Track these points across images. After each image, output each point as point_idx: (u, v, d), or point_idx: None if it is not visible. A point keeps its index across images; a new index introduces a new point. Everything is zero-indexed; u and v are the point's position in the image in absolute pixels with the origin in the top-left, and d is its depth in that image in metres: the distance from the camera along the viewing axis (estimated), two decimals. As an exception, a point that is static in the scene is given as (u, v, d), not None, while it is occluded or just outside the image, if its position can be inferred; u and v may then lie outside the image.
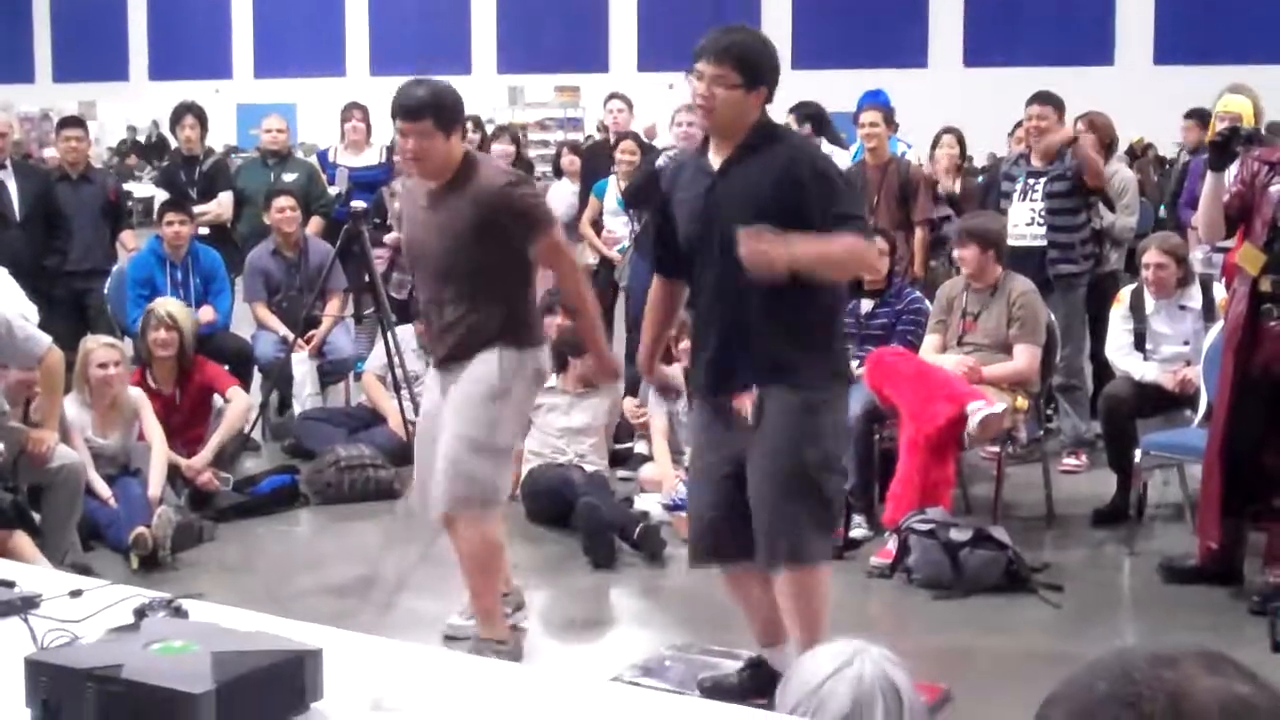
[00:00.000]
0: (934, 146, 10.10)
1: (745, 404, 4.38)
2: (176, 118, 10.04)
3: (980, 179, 10.31)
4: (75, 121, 9.96)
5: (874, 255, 4.45)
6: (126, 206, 9.99)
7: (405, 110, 4.89)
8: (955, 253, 7.25)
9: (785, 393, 4.36)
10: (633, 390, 7.92)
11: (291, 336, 8.60)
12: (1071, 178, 7.86)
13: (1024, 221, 7.93)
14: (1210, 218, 5.82)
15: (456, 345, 5.01)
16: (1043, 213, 7.88)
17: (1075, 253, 7.90)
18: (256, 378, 8.68)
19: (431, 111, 4.86)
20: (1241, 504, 5.75)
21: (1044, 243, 7.87)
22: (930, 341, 7.09)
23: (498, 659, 4.89)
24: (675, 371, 6.53)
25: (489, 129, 12.82)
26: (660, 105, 11.28)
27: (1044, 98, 8.06)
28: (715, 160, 4.46)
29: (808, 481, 4.38)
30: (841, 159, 9.82)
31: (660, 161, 8.67)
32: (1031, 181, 7.96)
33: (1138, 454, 6.60)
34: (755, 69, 4.37)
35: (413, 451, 7.62)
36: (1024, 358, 6.86)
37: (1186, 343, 6.87)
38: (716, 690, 4.67)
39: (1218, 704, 1.07)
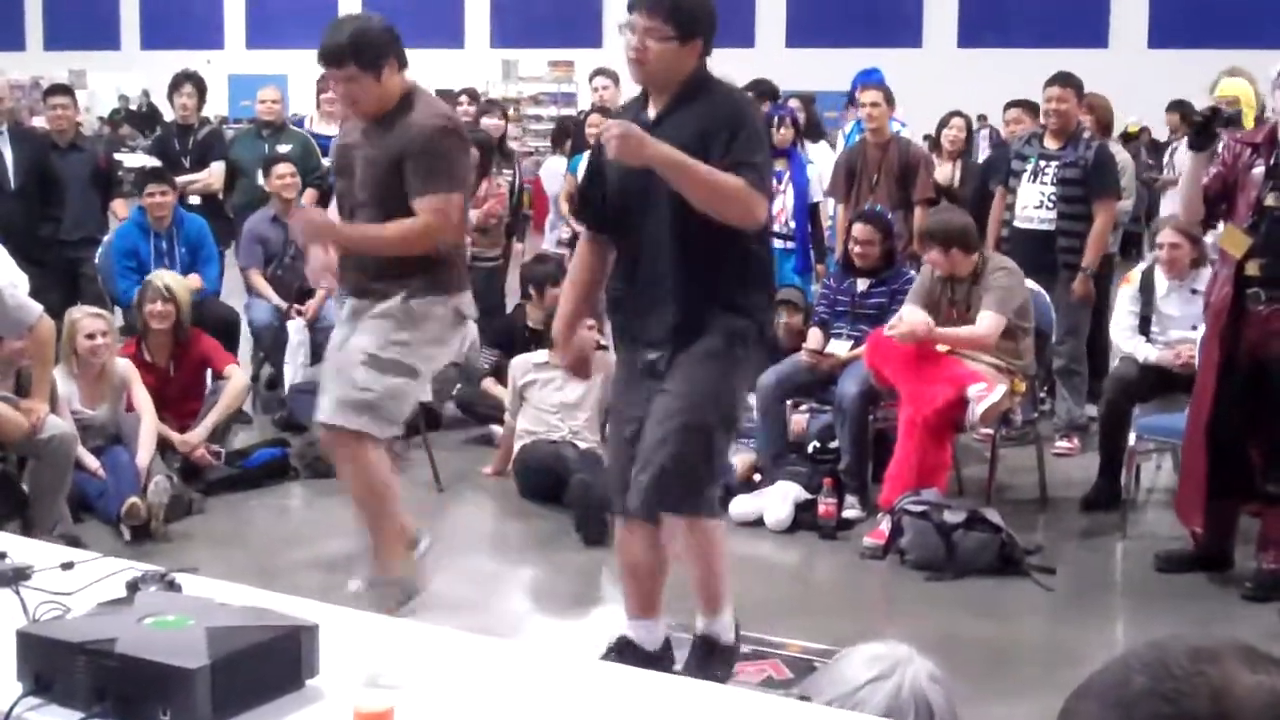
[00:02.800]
0: (941, 127, 10.08)
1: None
2: (175, 86, 10.01)
3: (980, 160, 10.29)
4: (62, 89, 9.89)
5: (755, 205, 4.20)
6: (117, 175, 9.92)
7: (327, 58, 4.84)
8: (923, 256, 6.98)
9: (695, 348, 4.33)
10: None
11: (285, 305, 8.57)
12: (1084, 166, 7.79)
13: (1033, 204, 7.87)
14: (1190, 198, 5.81)
15: (365, 278, 4.95)
16: (1053, 197, 7.80)
17: (1085, 241, 7.79)
18: (245, 349, 8.65)
19: (353, 55, 4.79)
20: (1226, 488, 5.74)
21: (1052, 227, 7.80)
22: (908, 310, 6.77)
23: (389, 600, 4.86)
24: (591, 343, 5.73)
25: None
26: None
27: (1064, 79, 7.94)
28: (653, 113, 4.42)
29: (703, 436, 4.34)
30: (822, 154, 9.80)
31: None
32: (1043, 164, 7.87)
33: (1131, 437, 6.59)
34: (690, 21, 4.29)
35: (405, 426, 7.68)
36: (986, 323, 6.60)
37: (1195, 327, 6.80)
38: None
39: (1260, 702, 1.04)
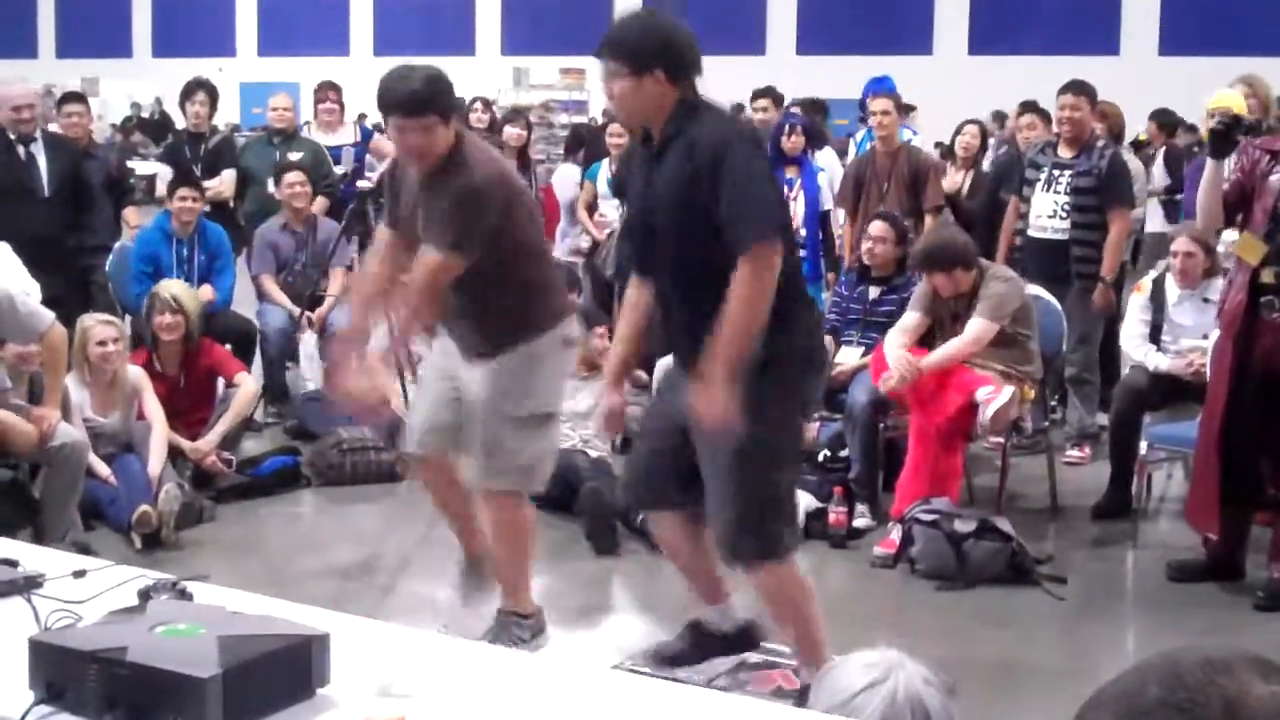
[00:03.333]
0: (955, 134, 10.05)
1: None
2: (188, 93, 10.03)
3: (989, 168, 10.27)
4: (76, 97, 9.93)
5: (768, 263, 4.01)
6: (129, 183, 9.94)
7: (405, 107, 4.66)
8: (925, 280, 6.78)
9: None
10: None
11: (298, 311, 8.59)
12: (1098, 175, 7.78)
13: (1046, 213, 7.83)
14: (1209, 205, 5.77)
15: (480, 343, 4.93)
16: (1066, 206, 7.77)
17: (1100, 251, 7.74)
18: (258, 359, 8.66)
19: (432, 104, 4.65)
20: (1238, 496, 5.73)
21: (1066, 237, 7.76)
22: (909, 319, 6.72)
23: (518, 632, 4.93)
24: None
25: (498, 113, 12.78)
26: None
27: (1077, 87, 7.90)
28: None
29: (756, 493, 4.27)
30: (828, 161, 9.80)
31: None
32: (1057, 173, 7.83)
33: (1143, 446, 6.58)
34: (637, 53, 4.22)
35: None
36: (974, 330, 6.51)
37: (1206, 336, 6.77)
38: (658, 659, 4.75)
39: (1274, 711, 1.04)
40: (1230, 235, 7.37)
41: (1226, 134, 5.63)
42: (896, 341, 6.62)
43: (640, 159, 4.42)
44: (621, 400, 4.71)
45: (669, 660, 4.73)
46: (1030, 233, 7.90)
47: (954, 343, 6.53)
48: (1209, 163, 5.76)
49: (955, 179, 9.53)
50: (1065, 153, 7.89)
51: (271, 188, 9.11)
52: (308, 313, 8.64)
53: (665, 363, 5.09)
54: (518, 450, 4.90)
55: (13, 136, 8.18)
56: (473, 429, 4.95)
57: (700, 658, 4.76)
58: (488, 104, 12.02)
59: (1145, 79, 19.78)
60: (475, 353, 4.94)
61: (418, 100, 4.65)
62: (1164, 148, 12.55)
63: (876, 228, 7.37)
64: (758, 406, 4.07)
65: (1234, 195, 5.66)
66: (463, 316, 4.93)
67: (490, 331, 4.89)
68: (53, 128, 9.31)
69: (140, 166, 15.06)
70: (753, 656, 4.93)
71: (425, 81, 4.69)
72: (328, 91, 10.46)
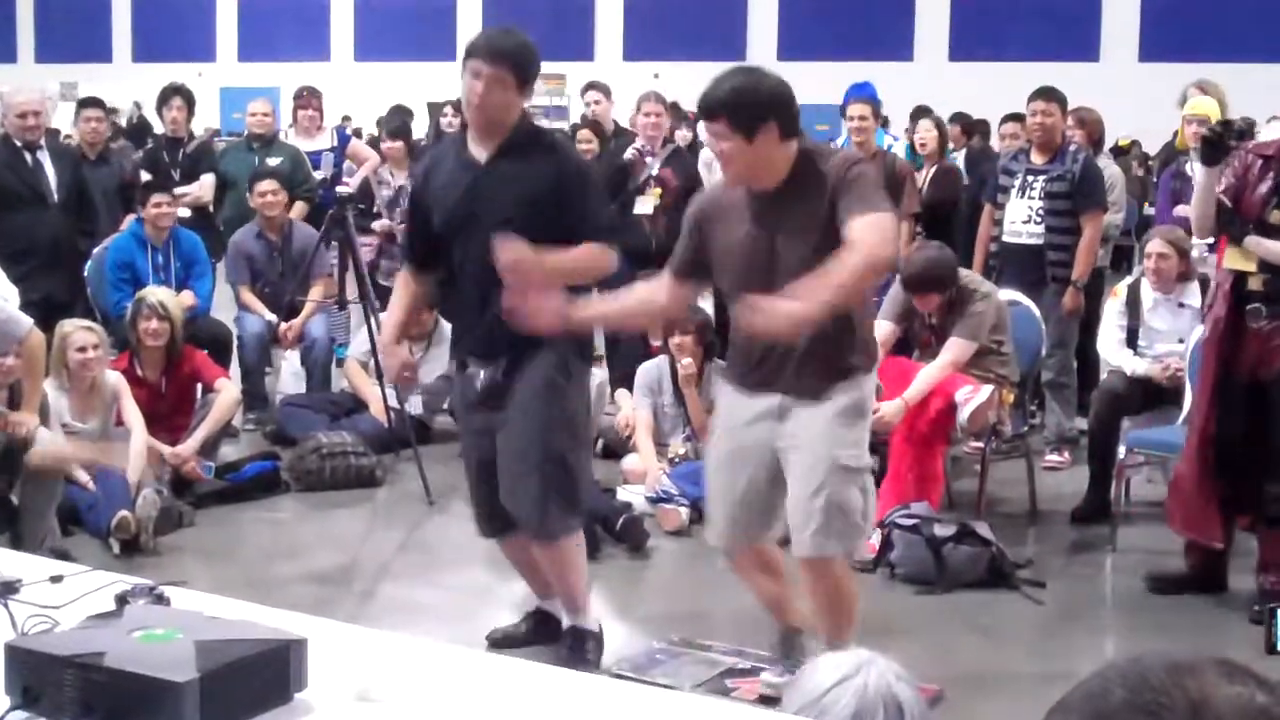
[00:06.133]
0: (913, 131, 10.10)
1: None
2: (164, 99, 10.04)
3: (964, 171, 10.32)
4: (94, 102, 9.95)
5: (606, 261, 4.66)
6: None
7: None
8: (914, 302, 6.75)
9: (534, 371, 4.64)
10: (625, 383, 7.87)
11: (275, 319, 8.57)
12: (1071, 179, 7.81)
13: (1021, 219, 7.87)
14: (1203, 213, 5.72)
15: (812, 383, 4.37)
16: (1041, 211, 7.82)
17: (1074, 254, 7.79)
18: (236, 364, 8.64)
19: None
20: (1224, 504, 5.72)
21: (1041, 241, 7.81)
22: (882, 330, 6.58)
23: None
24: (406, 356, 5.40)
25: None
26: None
27: (1047, 93, 7.96)
28: (478, 152, 4.68)
29: (554, 458, 4.68)
30: None
31: (628, 154, 8.68)
32: (1030, 179, 7.88)
33: (1121, 450, 6.60)
34: (528, 71, 4.62)
35: (395, 439, 7.69)
36: (954, 350, 6.52)
37: (1181, 340, 6.78)
38: (506, 641, 5.10)
39: (1239, 713, 1.05)
40: (1201, 240, 7.41)
41: (1219, 140, 5.60)
42: None
43: (454, 162, 4.77)
44: (402, 354, 5.16)
45: (499, 641, 5.11)
46: (1005, 238, 7.95)
47: (933, 367, 6.53)
48: (1200, 170, 5.72)
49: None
50: (1038, 159, 7.95)
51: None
52: (284, 324, 8.60)
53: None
54: (855, 506, 4.36)
55: (19, 143, 8.17)
56: (791, 499, 4.39)
57: (534, 642, 5.08)
58: (458, 107, 11.99)
59: (1125, 85, 19.88)
60: (804, 394, 4.34)
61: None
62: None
63: None
64: (562, 410, 4.70)
65: (1230, 197, 5.58)
66: (801, 348, 4.27)
67: (829, 366, 4.33)
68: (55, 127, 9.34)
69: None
70: (740, 663, 4.94)
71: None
72: (309, 98, 10.48)
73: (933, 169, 9.80)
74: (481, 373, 4.75)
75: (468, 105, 4.64)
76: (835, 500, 4.27)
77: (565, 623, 5.07)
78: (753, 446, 4.40)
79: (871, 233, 3.97)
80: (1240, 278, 5.55)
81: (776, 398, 4.34)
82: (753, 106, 4.15)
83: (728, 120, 4.15)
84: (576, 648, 4.97)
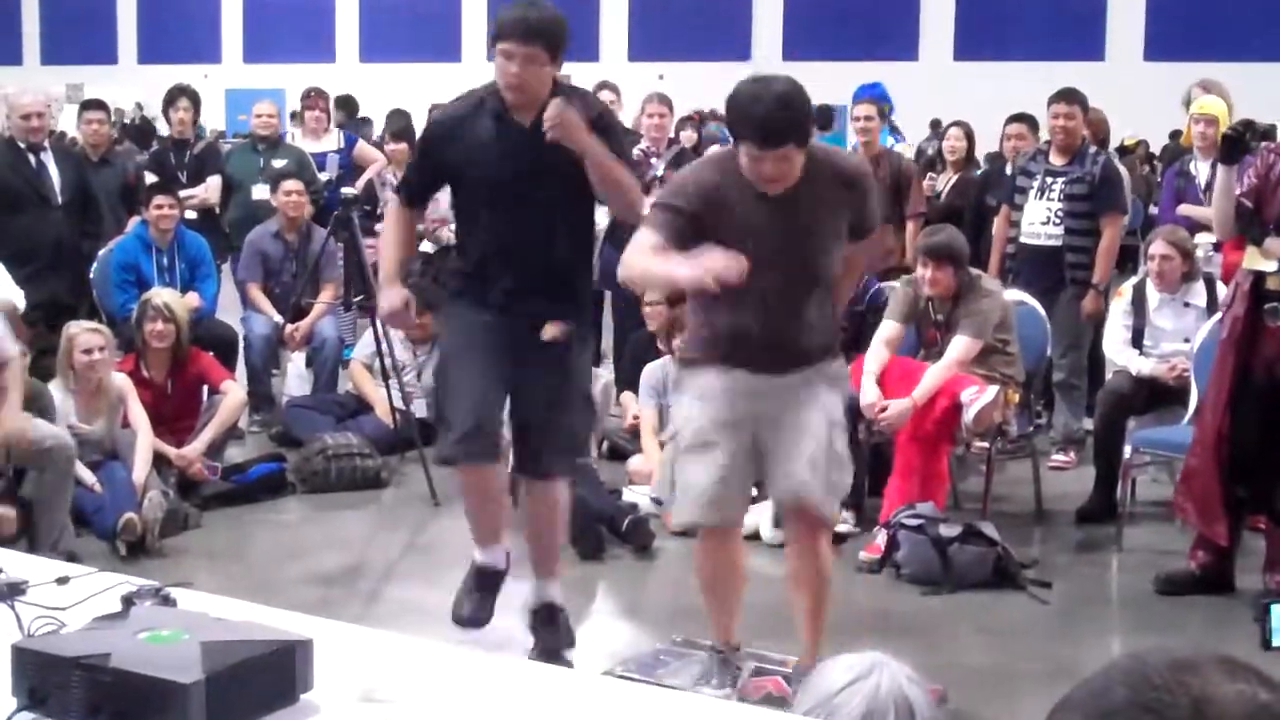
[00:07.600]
0: (940, 138, 10.10)
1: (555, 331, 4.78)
2: (170, 100, 10.05)
3: (977, 173, 10.30)
4: (97, 104, 9.96)
5: (637, 191, 4.84)
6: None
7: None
8: (922, 273, 6.72)
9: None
10: (630, 385, 7.86)
11: (282, 320, 8.58)
12: (1091, 181, 7.79)
13: (1039, 220, 7.86)
14: (1223, 212, 5.69)
15: (810, 349, 4.55)
16: (1060, 213, 7.79)
17: (1093, 256, 7.77)
18: (242, 365, 8.65)
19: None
20: (1237, 503, 5.71)
21: (1059, 243, 7.79)
22: (888, 329, 6.72)
23: None
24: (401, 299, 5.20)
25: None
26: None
27: (1068, 95, 7.93)
28: (520, 118, 4.69)
29: (586, 395, 5.09)
30: None
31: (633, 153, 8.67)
32: (1049, 180, 7.86)
33: (1127, 450, 6.60)
34: (560, 45, 4.65)
35: (400, 440, 7.70)
36: (959, 349, 6.53)
37: (1187, 340, 6.77)
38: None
39: (1241, 710, 1.05)
40: (1205, 239, 7.41)
41: (1240, 140, 5.57)
42: (878, 355, 6.63)
43: (493, 122, 4.74)
44: (400, 295, 5.07)
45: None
46: (1023, 240, 7.92)
47: (940, 366, 6.53)
48: (1220, 169, 5.68)
49: (939, 182, 9.56)
50: (1057, 160, 7.91)
51: (267, 194, 9.09)
52: (291, 325, 8.61)
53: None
54: (849, 464, 4.65)
55: (23, 145, 8.18)
56: (794, 451, 4.45)
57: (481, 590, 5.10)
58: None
59: (1130, 85, 19.85)
60: (797, 361, 4.47)
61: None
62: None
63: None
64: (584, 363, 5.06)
65: (1251, 199, 5.56)
66: (798, 316, 4.44)
67: (820, 331, 4.52)
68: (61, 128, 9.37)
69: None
70: (746, 663, 4.94)
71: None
72: (317, 100, 10.48)
73: (955, 177, 9.78)
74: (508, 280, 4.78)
75: (504, 86, 4.63)
76: (839, 451, 4.52)
77: (536, 596, 5.09)
78: (742, 419, 4.48)
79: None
80: (1259, 278, 5.53)
81: (764, 376, 4.45)
82: (808, 121, 4.38)
83: (796, 143, 4.25)
84: (565, 623, 5.10)
